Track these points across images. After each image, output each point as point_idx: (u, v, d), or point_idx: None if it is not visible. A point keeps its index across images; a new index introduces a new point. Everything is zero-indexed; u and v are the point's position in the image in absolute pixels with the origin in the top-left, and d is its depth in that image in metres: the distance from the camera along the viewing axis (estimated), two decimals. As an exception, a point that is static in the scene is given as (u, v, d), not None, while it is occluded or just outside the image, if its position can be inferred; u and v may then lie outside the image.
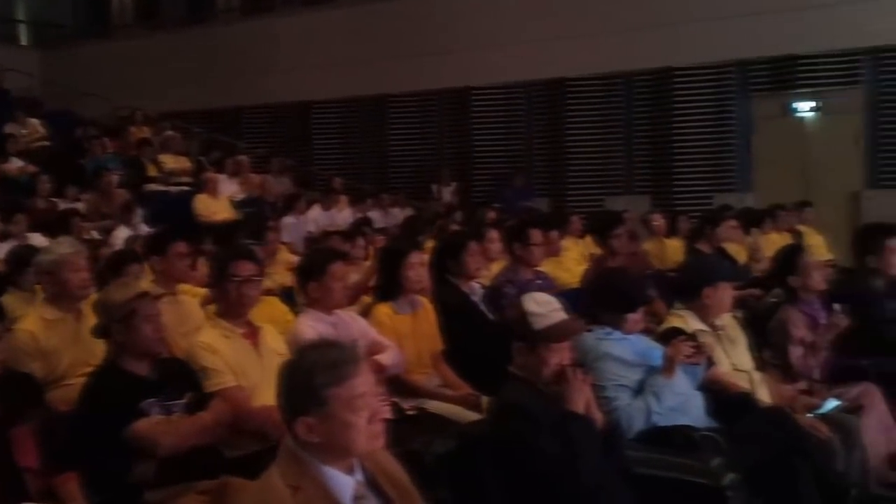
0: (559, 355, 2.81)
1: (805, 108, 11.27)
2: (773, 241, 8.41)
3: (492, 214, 8.88)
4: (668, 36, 11.56)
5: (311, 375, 1.90)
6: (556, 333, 2.80)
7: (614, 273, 4.05)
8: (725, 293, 3.88)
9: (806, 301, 4.35)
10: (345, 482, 1.96)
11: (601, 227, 6.10)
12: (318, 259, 3.91)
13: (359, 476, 2.00)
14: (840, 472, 3.55)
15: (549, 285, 5.26)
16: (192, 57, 14.69)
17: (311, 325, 3.78)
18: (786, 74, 11.20)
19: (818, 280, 4.37)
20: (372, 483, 2.04)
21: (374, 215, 10.91)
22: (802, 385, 4.21)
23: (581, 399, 2.78)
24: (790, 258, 4.43)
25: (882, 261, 4.71)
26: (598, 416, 2.87)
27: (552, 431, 2.67)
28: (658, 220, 8.73)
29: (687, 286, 3.95)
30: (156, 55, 14.86)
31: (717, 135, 11.71)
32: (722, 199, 10.81)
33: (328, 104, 14.30)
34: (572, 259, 7.40)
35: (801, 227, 9.00)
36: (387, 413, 1.97)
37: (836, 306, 4.24)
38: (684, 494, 2.98)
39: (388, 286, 4.26)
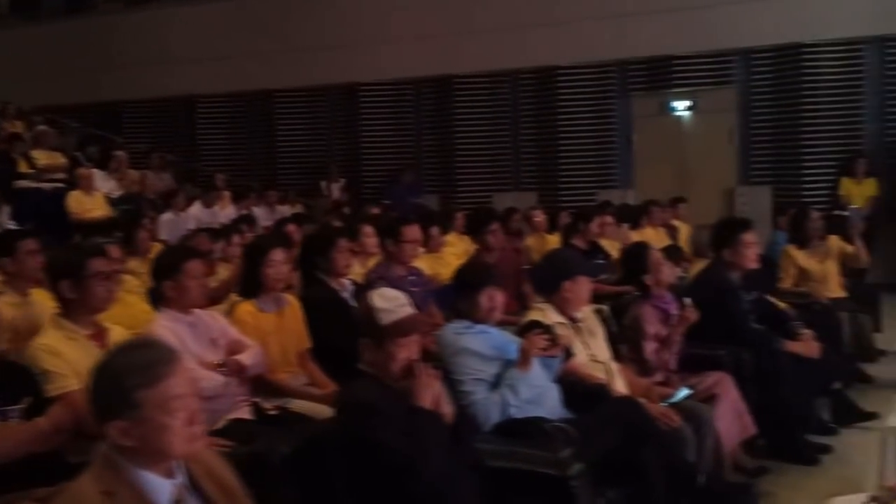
0: (406, 350, 2.80)
1: (681, 107, 11.62)
2: (648, 237, 8.63)
3: (372, 210, 8.82)
4: (553, 35, 11.76)
5: (122, 377, 1.83)
6: (401, 328, 2.79)
7: (467, 262, 4.07)
8: (583, 287, 3.96)
9: (658, 296, 4.47)
10: (162, 486, 1.90)
11: (476, 223, 6.15)
12: (172, 257, 3.79)
13: (179, 479, 1.95)
14: (689, 460, 3.65)
15: (421, 282, 5.28)
16: (70, 49, 14.15)
17: (167, 326, 3.67)
18: (663, 74, 11.53)
19: (668, 275, 4.50)
20: (194, 486, 1.98)
21: (260, 212, 10.74)
22: (659, 377, 4.33)
23: (428, 394, 2.77)
24: (640, 256, 4.53)
25: (737, 254, 4.89)
26: (446, 411, 2.87)
27: (398, 427, 2.65)
28: (539, 217, 8.87)
29: (546, 280, 4.01)
30: (32, 47, 14.25)
31: (599, 133, 11.97)
32: (605, 196, 11.07)
33: (213, 98, 13.99)
34: (453, 255, 7.42)
35: (676, 223, 9.29)
36: (201, 415, 1.91)
37: (687, 299, 4.37)
38: (533, 485, 3.01)
39: (250, 284, 4.18)
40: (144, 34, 13.92)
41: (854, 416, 5.26)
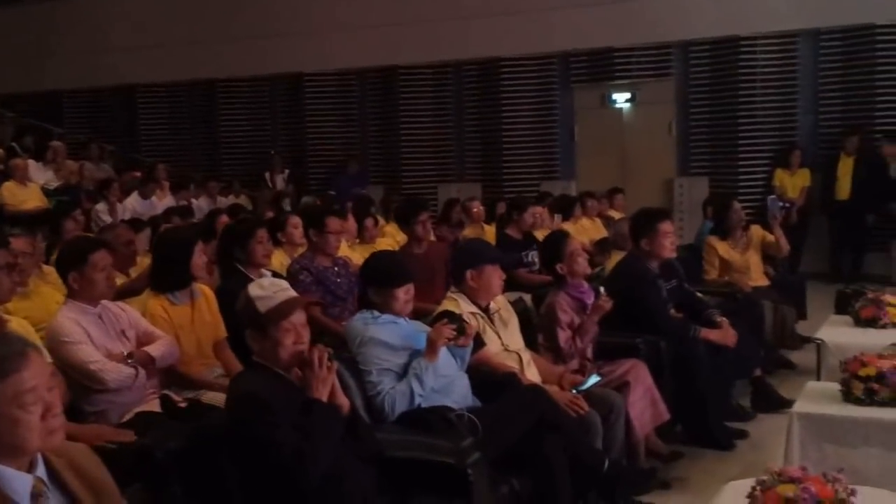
0: (293, 335, 2.78)
1: (622, 99, 11.71)
2: (584, 228, 8.74)
3: (310, 200, 8.77)
4: (496, 26, 11.77)
5: (-31, 373, 1.79)
6: (280, 312, 2.77)
7: (381, 253, 4.06)
8: (491, 276, 3.96)
9: (574, 285, 4.50)
10: (20, 480, 1.86)
11: (404, 213, 6.14)
12: (78, 248, 3.73)
13: (39, 473, 1.91)
14: (596, 447, 3.68)
15: (347, 272, 5.26)
16: (7, 37, 13.84)
17: (71, 318, 3.62)
18: (604, 66, 11.61)
19: (583, 266, 4.53)
20: (57, 480, 1.95)
21: (202, 203, 10.63)
22: (574, 366, 4.36)
23: (323, 385, 2.76)
24: (557, 245, 4.56)
25: (654, 244, 4.94)
26: (343, 402, 2.86)
27: (289, 419, 2.64)
28: (477, 207, 8.88)
29: (456, 270, 4.01)
30: (-35, 34, 13.95)
31: (542, 124, 12.02)
32: (548, 187, 11.15)
33: (154, 88, 13.80)
34: (388, 245, 7.41)
35: (613, 213, 9.36)
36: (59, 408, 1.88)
37: (602, 288, 4.40)
38: (433, 476, 3.02)
39: (163, 277, 4.13)
40: (84, 22, 13.67)
41: (773, 402, 5.36)
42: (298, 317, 2.86)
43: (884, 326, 5.08)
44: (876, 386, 3.74)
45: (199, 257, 4.26)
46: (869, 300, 5.24)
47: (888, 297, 5.25)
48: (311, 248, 5.26)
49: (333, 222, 5.21)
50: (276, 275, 4.92)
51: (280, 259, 5.58)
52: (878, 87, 10.22)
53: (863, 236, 10.08)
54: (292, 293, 2.86)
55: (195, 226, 6.60)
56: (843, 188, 10.09)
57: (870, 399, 3.75)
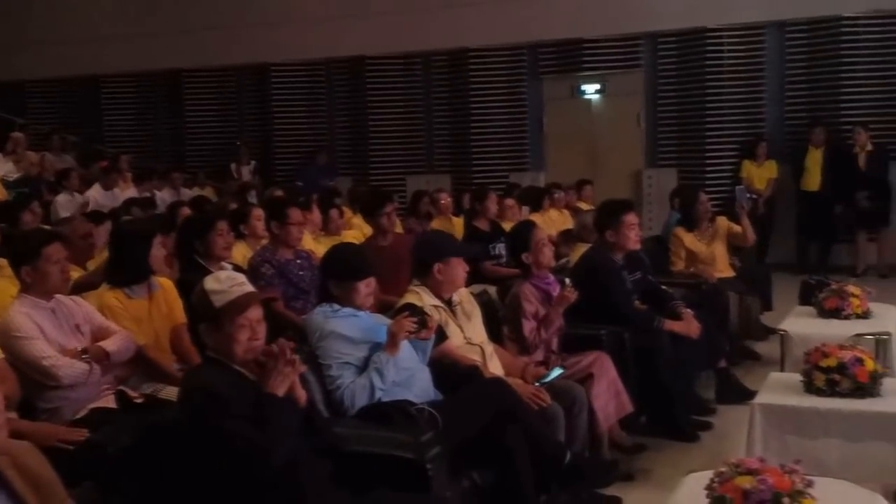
0: (248, 332, 2.74)
1: (591, 90, 11.72)
2: (552, 219, 8.74)
3: (278, 192, 8.70)
4: (464, 16, 11.73)
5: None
6: (236, 307, 2.72)
7: (342, 245, 4.02)
8: (456, 269, 3.94)
9: (539, 276, 4.49)
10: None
11: (370, 205, 6.09)
12: (30, 241, 3.65)
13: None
14: (558, 439, 3.68)
15: (309, 265, 5.21)
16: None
17: (24, 312, 3.54)
18: (573, 57, 11.60)
19: (549, 256, 4.52)
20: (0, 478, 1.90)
21: (165, 195, 10.52)
22: (538, 357, 4.36)
23: (281, 380, 2.71)
24: (523, 235, 4.54)
25: (619, 235, 4.94)
26: (300, 395, 2.82)
27: (244, 414, 2.60)
28: (445, 199, 8.85)
29: (419, 263, 3.98)
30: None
31: (511, 115, 12.00)
32: (517, 178, 11.15)
33: (119, 78, 13.61)
34: (353, 237, 7.36)
35: (581, 205, 9.37)
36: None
37: (567, 280, 4.40)
38: (391, 470, 2.99)
39: (120, 270, 4.06)
40: (49, 12, 13.43)
41: (737, 393, 5.38)
42: (254, 312, 2.81)
43: (847, 317, 5.13)
44: (837, 377, 3.76)
45: (158, 251, 4.20)
46: (833, 291, 5.29)
47: (851, 288, 5.30)
48: (274, 241, 5.21)
49: (295, 214, 5.15)
50: (237, 268, 4.88)
51: (243, 251, 5.52)
52: (844, 78, 10.31)
53: (830, 227, 10.17)
54: (249, 288, 2.81)
55: (156, 218, 6.50)
56: (812, 179, 10.16)
57: (831, 390, 3.77)
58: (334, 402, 3.39)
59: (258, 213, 5.76)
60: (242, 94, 13.32)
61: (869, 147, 9.69)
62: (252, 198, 10.10)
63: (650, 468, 4.45)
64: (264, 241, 5.62)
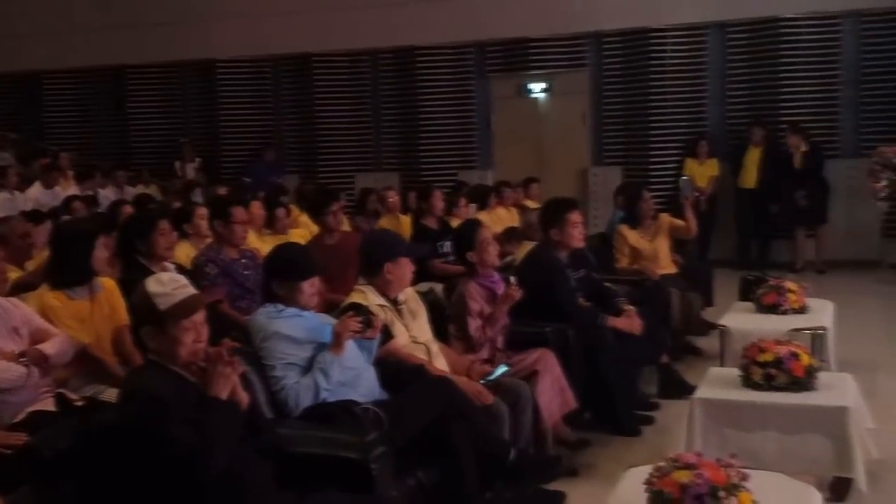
0: (193, 334, 2.72)
1: (537, 89, 11.80)
2: (500, 217, 8.77)
3: (222, 190, 8.61)
4: (412, 14, 11.74)
5: None
6: (182, 310, 2.69)
7: (285, 245, 4.00)
8: (405, 268, 3.95)
9: (485, 275, 4.52)
10: None
11: (316, 204, 6.06)
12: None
13: None
14: (503, 437, 3.70)
15: (255, 264, 5.16)
16: None
17: (-43, 315, 3.47)
18: (520, 56, 11.67)
19: (493, 255, 4.54)
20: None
21: (109, 193, 10.34)
22: (484, 355, 4.38)
23: (224, 383, 2.69)
24: (468, 234, 4.56)
25: (563, 233, 4.99)
26: (242, 397, 2.80)
27: (184, 417, 2.57)
28: (393, 197, 8.84)
29: (368, 262, 3.98)
30: None
31: (459, 114, 12.02)
32: (465, 176, 11.18)
33: (60, 74, 13.33)
34: (300, 236, 7.32)
35: (528, 203, 9.42)
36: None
37: (512, 277, 4.43)
38: (336, 470, 2.98)
39: (61, 271, 3.99)
40: (-16, 6, 13.12)
41: (679, 388, 5.46)
42: (199, 314, 2.80)
43: (784, 312, 5.26)
44: (773, 371, 3.86)
45: (101, 252, 4.13)
46: (770, 287, 5.42)
47: (789, 284, 5.44)
48: (218, 240, 5.15)
49: (239, 212, 5.11)
50: (181, 268, 4.82)
51: (186, 251, 5.46)
52: (783, 78, 10.53)
53: (768, 225, 10.39)
54: (192, 290, 2.78)
55: (97, 217, 6.38)
56: (750, 178, 10.38)
57: (768, 384, 3.87)
58: (278, 402, 3.37)
59: (202, 211, 5.69)
60: (187, 90, 13.14)
61: (804, 147, 9.91)
62: (197, 196, 10.01)
63: (594, 463, 4.50)
64: (208, 241, 5.56)
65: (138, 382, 2.65)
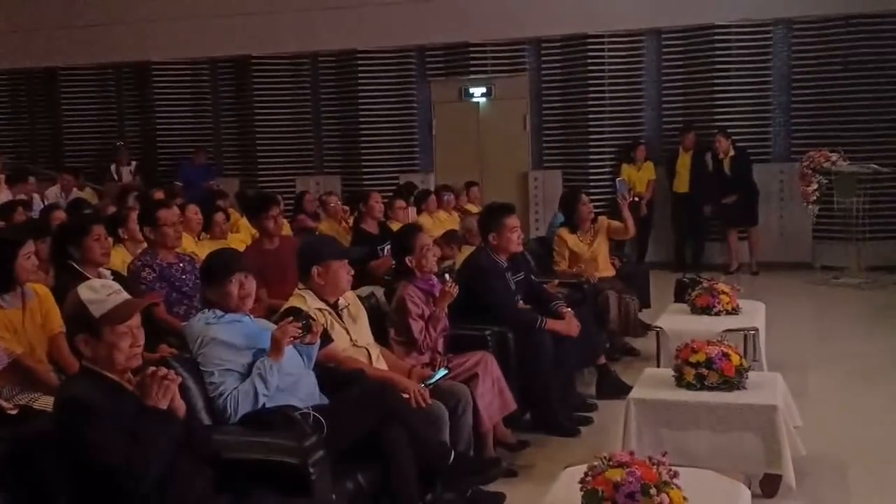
0: (129, 339, 2.70)
1: (478, 93, 11.87)
2: (441, 221, 8.83)
3: (158, 193, 8.50)
4: (352, 18, 11.75)
5: None
6: (116, 316, 2.68)
7: (215, 251, 3.98)
8: (338, 272, 3.95)
9: (423, 279, 4.55)
10: None
11: (254, 208, 6.02)
12: None
13: None
14: (442, 439, 3.74)
15: (192, 268, 5.12)
16: None
17: None
18: (460, 61, 11.74)
19: (432, 262, 4.58)
20: None
21: (51, 195, 10.17)
22: (425, 358, 4.42)
23: (163, 394, 2.68)
24: (408, 239, 4.60)
25: (501, 238, 5.06)
26: (179, 405, 2.79)
27: (120, 425, 2.55)
28: (335, 202, 8.82)
29: (301, 267, 3.99)
30: None
31: (400, 117, 12.05)
32: (407, 180, 11.19)
33: (-9, 76, 13.04)
34: (240, 241, 7.27)
35: (469, 206, 9.50)
36: None
37: (447, 275, 4.47)
38: (275, 475, 2.99)
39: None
40: None
41: (617, 388, 5.56)
42: (135, 319, 2.78)
43: (717, 314, 5.40)
44: (705, 371, 3.96)
45: (27, 259, 4.04)
46: (704, 289, 5.55)
47: (722, 286, 5.58)
48: (151, 245, 5.09)
49: (165, 215, 5.03)
50: (117, 274, 4.77)
51: (122, 257, 5.38)
52: (717, 84, 10.77)
53: (701, 227, 10.63)
54: (125, 295, 2.77)
55: (30, 223, 6.24)
56: (682, 182, 10.61)
57: (700, 384, 3.97)
58: (217, 409, 3.36)
59: (136, 215, 5.61)
60: (122, 92, 12.93)
61: (732, 152, 10.17)
62: (133, 200, 9.85)
63: (533, 464, 4.57)
64: (145, 245, 5.50)
65: (72, 390, 2.63)
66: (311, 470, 2.93)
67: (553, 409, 4.91)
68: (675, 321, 5.41)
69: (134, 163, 12.09)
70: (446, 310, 4.54)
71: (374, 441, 3.36)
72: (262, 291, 4.94)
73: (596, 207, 7.37)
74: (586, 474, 2.72)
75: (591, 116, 11.25)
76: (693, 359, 4.00)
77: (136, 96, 12.86)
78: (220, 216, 7.13)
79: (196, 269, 5.11)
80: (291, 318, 3.51)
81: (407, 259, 4.52)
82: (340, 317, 4.04)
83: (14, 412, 3.57)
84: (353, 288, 4.37)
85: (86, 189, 11.33)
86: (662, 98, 11.13)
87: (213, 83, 12.68)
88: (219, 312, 3.52)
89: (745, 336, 5.16)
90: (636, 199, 10.04)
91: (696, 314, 5.45)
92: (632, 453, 2.76)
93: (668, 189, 10.79)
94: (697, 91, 10.91)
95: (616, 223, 6.80)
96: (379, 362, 4.06)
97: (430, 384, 3.92)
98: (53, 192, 10.39)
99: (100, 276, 4.47)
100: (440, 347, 4.55)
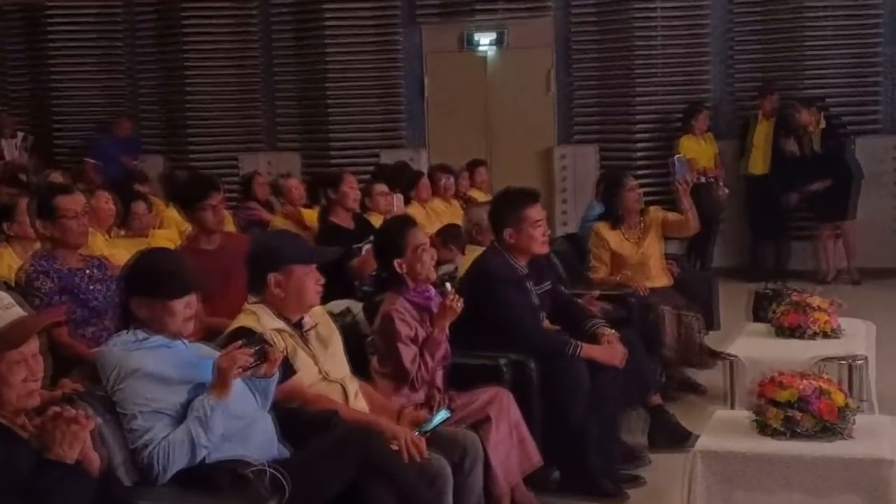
0: (23, 370, 2.72)
1: (486, 40, 11.81)
2: (437, 212, 8.85)
3: (56, 175, 8.54)
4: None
5: None
6: (7, 340, 2.70)
7: (151, 251, 4.00)
8: (304, 280, 3.95)
9: (417, 290, 4.55)
10: None
11: (187, 196, 5.97)
12: None
13: None
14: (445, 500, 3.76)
15: (104, 275, 5.12)
16: None
17: None
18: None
19: (429, 265, 4.56)
20: None
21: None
22: (420, 397, 4.42)
23: (69, 443, 2.69)
24: (395, 235, 4.59)
25: (520, 235, 5.06)
26: (93, 459, 2.80)
27: (15, 482, 2.56)
28: (296, 187, 8.83)
29: (253, 274, 3.99)
30: None
31: (381, 75, 12.06)
32: (391, 157, 11.23)
33: None
34: (168, 237, 7.29)
35: (474, 193, 9.52)
36: None
37: (448, 285, 4.48)
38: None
39: None
40: None
41: (674, 436, 5.58)
42: (30, 345, 2.78)
43: (811, 337, 5.40)
44: (797, 414, 3.96)
45: None
46: (792, 304, 5.56)
47: (816, 300, 5.58)
48: (51, 244, 5.08)
49: (66, 203, 5.00)
50: (4, 283, 4.77)
51: (9, 260, 5.42)
52: (807, 32, 10.83)
53: (785, 222, 10.64)
54: (19, 311, 2.77)
55: None
56: (758, 161, 10.63)
57: (789, 431, 3.97)
58: (141, 464, 3.36)
59: (27, 205, 5.61)
60: (5, 43, 12.95)
61: (823, 123, 10.17)
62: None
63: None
64: (39, 245, 5.49)
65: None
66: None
67: (590, 464, 4.91)
68: (753, 347, 5.42)
69: (21, 134, 12.08)
70: (447, 331, 4.54)
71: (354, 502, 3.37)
72: (199, 307, 4.94)
73: (646, 195, 7.39)
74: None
75: (637, 73, 11.27)
76: (779, 397, 3.99)
77: (24, 48, 12.91)
78: (139, 206, 7.18)
79: (108, 276, 5.11)
80: (241, 342, 3.51)
81: (395, 263, 4.51)
82: (306, 341, 4.05)
83: None
84: (323, 302, 4.38)
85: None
86: (734, 51, 11.16)
87: (129, 29, 12.71)
88: (142, 334, 3.52)
89: (850, 367, 5.17)
90: (711, 179, 10.02)
91: (782, 337, 5.46)
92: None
93: (739, 171, 10.80)
94: (781, 42, 10.95)
95: (673, 216, 6.81)
96: (358, 401, 4.07)
97: (426, 431, 3.93)
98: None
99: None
100: (439, 382, 4.57)
